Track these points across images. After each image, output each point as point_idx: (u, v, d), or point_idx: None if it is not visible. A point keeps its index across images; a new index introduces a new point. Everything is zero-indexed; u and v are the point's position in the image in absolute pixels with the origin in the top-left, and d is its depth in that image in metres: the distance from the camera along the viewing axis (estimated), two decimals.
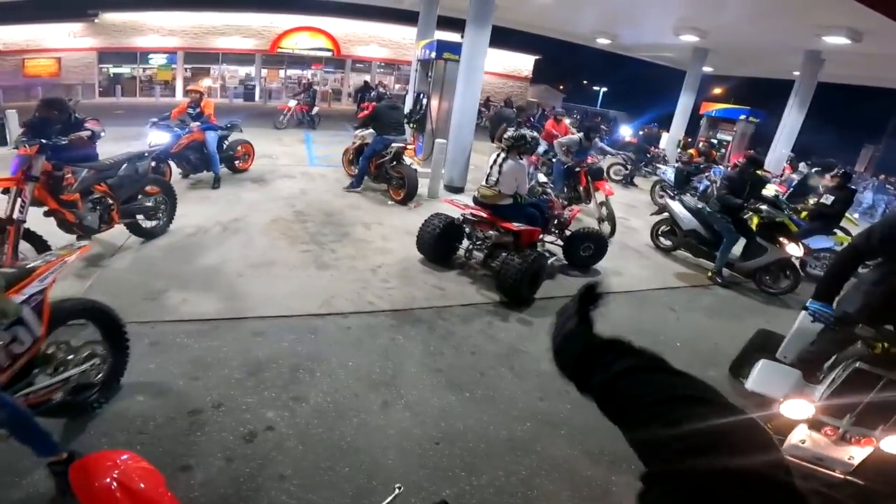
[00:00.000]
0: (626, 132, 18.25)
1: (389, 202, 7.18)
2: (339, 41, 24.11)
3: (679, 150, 12.68)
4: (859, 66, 12.47)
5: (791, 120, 12.51)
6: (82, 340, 2.52)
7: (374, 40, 24.45)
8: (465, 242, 5.07)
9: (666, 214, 6.48)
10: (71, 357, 2.39)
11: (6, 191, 3.74)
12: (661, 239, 6.69)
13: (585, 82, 37.33)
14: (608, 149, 9.11)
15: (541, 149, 7.67)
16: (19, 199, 3.67)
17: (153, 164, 5.59)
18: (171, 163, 6.67)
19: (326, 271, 4.65)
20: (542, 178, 5.45)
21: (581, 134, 7.74)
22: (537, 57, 26.32)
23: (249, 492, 2.25)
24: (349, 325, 3.80)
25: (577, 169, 7.40)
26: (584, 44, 19.01)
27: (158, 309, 3.68)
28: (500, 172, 4.70)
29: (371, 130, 7.36)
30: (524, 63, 26.56)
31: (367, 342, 3.60)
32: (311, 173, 8.47)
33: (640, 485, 0.53)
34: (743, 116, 13.30)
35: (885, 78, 13.81)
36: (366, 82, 19.58)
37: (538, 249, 4.88)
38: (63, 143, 3.97)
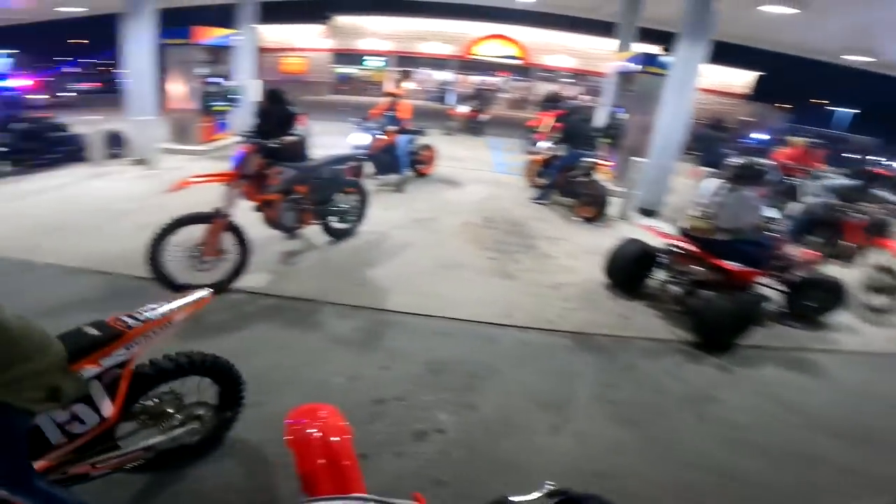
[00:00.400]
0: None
1: (575, 218, 7.03)
2: (527, 49, 24.39)
3: None
4: None
5: None
6: (185, 399, 2.08)
7: (562, 50, 24.21)
8: (659, 273, 4.69)
9: None
10: (173, 416, 2.01)
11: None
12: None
13: (818, 102, 31.31)
14: (890, 196, 6.81)
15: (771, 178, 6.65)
16: (230, 194, 3.87)
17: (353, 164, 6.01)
18: (365, 163, 6.66)
19: (510, 282, 4.75)
20: (771, 213, 4.72)
21: (859, 181, 6.45)
22: (757, 73, 23.05)
23: (408, 490, 2.33)
24: (527, 339, 3.83)
25: (842, 219, 6.17)
26: (822, 59, 16.00)
27: (363, 295, 4.16)
28: (720, 204, 4.22)
29: (565, 144, 7.29)
30: (736, 78, 23.53)
31: (543, 360, 3.58)
32: (497, 180, 8.79)
33: None
34: None
35: None
36: (555, 92, 19.28)
37: (751, 292, 4.25)
38: (275, 145, 4.17)
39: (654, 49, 10.43)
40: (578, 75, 24.98)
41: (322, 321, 3.75)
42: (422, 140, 7.99)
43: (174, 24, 9.11)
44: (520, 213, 6.94)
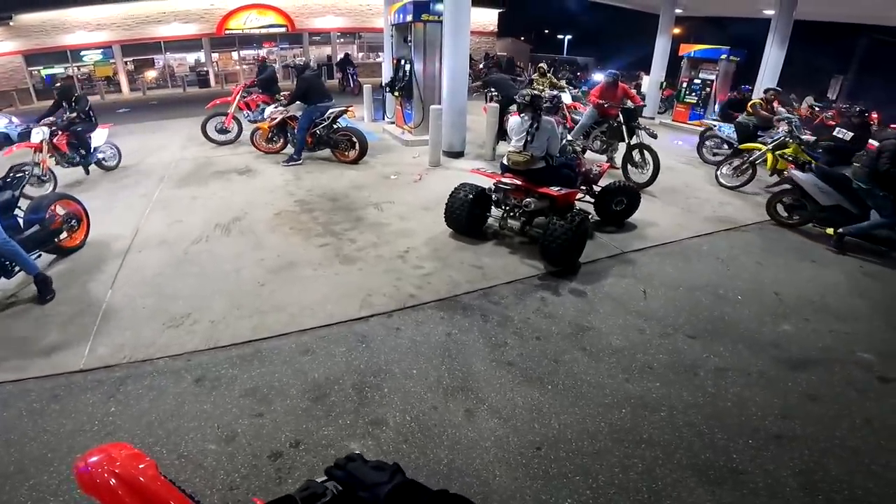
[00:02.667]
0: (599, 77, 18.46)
1: (392, 176, 6.72)
2: (291, 15, 22.81)
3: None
4: (827, 4, 12.49)
5: (773, 57, 12.37)
6: None
7: (329, 10, 23.26)
8: (495, 211, 4.77)
9: (785, 185, 5.68)
10: None
11: None
12: (784, 212, 5.66)
13: (547, 31, 36.45)
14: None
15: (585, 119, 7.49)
16: None
17: None
18: None
19: (353, 265, 4.21)
20: (569, 136, 5.15)
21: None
22: (501, 10, 25.51)
23: None
24: (397, 325, 3.42)
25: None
26: None
27: (188, 337, 3.22)
28: (529, 136, 4.36)
29: (298, 104, 7.23)
30: (488, 17, 25.72)
31: (423, 343, 3.23)
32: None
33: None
34: (724, 56, 13.01)
35: (850, 14, 13.92)
36: (346, 55, 18.92)
37: (576, 210, 4.56)
38: None
39: None
40: (352, 34, 24.39)
41: (153, 385, 2.79)
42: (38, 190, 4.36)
43: None
44: (335, 186, 6.29)
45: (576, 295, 3.90)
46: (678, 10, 14.99)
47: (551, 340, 3.32)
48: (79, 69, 20.97)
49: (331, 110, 7.19)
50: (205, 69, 21.92)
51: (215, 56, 22.72)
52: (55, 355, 3.02)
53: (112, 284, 3.87)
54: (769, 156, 6.81)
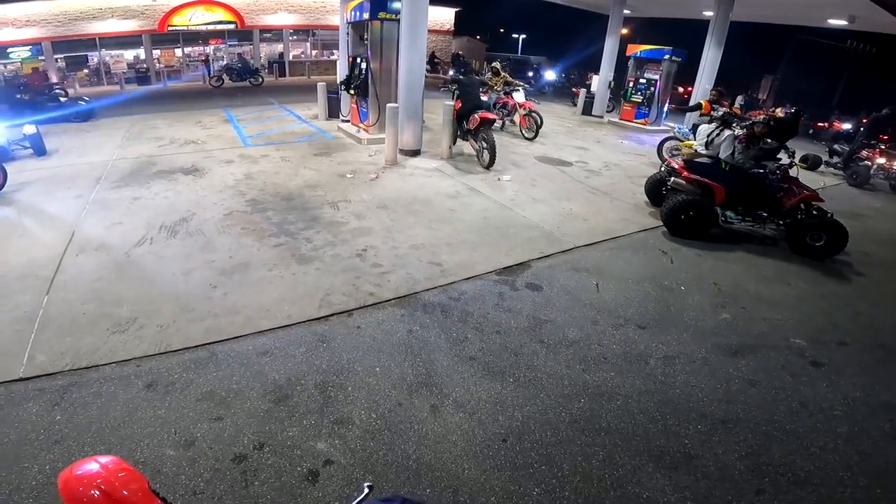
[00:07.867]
0: (550, 76, 20.93)
1: (348, 175, 6.63)
2: (241, 12, 22.02)
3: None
4: (760, 6, 13.29)
5: (710, 57, 13.04)
6: None
7: (282, 7, 22.64)
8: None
9: None
10: None
11: None
12: None
13: (502, 30, 37.06)
14: None
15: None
16: None
17: None
18: None
19: (310, 265, 4.12)
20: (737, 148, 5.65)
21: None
22: (457, 9, 25.66)
23: None
24: (358, 323, 3.38)
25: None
26: None
27: (135, 342, 3.05)
28: (709, 138, 5.89)
29: None
30: (444, 16, 25.82)
31: (385, 341, 3.21)
32: (250, 155, 7.58)
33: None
34: (667, 56, 13.60)
35: (780, 16, 14.95)
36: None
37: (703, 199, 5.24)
38: None
39: None
40: (305, 31, 23.85)
41: (100, 392, 2.64)
42: None
43: None
44: (289, 185, 6.13)
45: (532, 289, 3.99)
46: (626, 11, 15.56)
47: (511, 334, 3.37)
48: (5, 67, 19.50)
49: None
50: (145, 66, 20.77)
51: (157, 52, 21.59)
52: None
53: (48, 291, 3.60)
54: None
